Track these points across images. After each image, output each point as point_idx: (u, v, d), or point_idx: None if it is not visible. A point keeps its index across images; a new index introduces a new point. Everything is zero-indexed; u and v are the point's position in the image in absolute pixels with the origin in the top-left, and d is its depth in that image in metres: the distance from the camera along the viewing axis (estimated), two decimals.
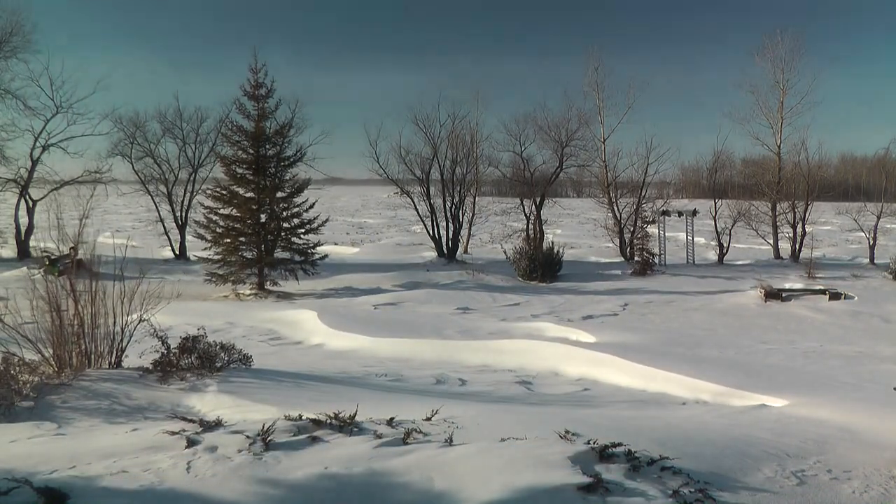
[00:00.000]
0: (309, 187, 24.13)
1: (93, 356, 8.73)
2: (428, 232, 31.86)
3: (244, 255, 22.22)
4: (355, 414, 5.83)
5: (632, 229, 31.36)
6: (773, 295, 21.70)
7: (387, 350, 13.39)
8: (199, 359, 8.51)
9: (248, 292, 21.85)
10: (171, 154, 31.32)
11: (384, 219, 60.83)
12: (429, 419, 6.02)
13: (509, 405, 8.91)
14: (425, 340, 13.99)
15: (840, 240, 43.33)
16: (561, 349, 12.43)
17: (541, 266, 25.42)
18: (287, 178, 23.58)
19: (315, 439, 5.27)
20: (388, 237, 43.67)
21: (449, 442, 5.18)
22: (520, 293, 22.50)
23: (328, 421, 5.65)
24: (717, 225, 31.48)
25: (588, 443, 5.05)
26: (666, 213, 32.09)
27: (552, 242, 27.43)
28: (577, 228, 49.88)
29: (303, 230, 23.23)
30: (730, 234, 31.48)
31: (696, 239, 33.23)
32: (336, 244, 35.88)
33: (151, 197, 31.35)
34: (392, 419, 5.88)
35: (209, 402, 7.34)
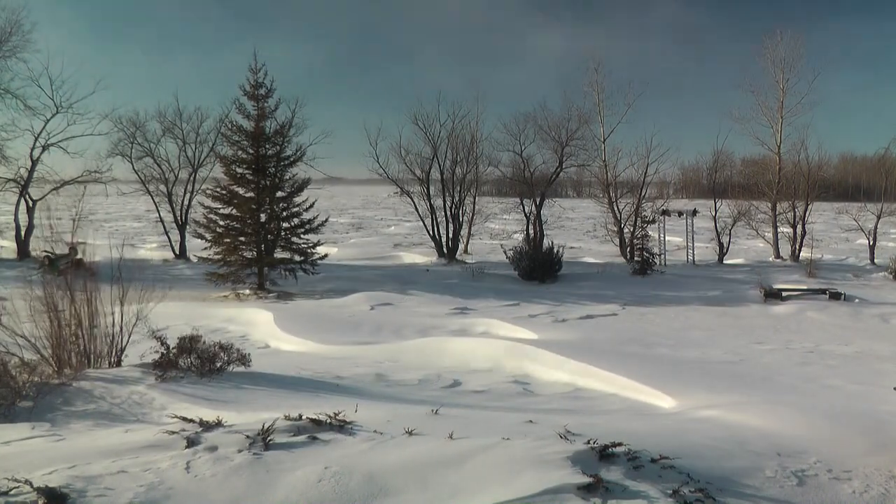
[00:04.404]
0: (309, 187, 24.09)
1: (92, 356, 8.74)
2: (428, 232, 31.85)
3: (244, 254, 22.20)
4: (355, 413, 5.84)
5: (632, 229, 31.34)
6: (772, 295, 21.69)
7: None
8: (198, 359, 8.51)
9: (247, 292, 21.83)
10: (171, 154, 31.31)
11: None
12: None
13: (507, 407, 8.92)
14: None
15: (840, 239, 43.35)
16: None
17: (540, 266, 25.39)
18: (287, 177, 23.56)
19: (315, 439, 5.27)
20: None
21: (448, 442, 5.18)
22: (519, 293, 22.47)
23: (328, 421, 5.65)
24: (717, 225, 31.47)
25: (588, 443, 5.05)
26: (666, 212, 32.07)
27: (552, 242, 27.40)
28: (577, 228, 49.88)
29: (302, 230, 23.21)
30: (730, 234, 31.48)
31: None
32: (335, 244, 35.83)
33: (151, 197, 31.32)
34: (390, 419, 5.88)
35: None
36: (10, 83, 28.10)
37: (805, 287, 23.41)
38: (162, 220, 30.86)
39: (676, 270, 28.32)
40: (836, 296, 21.67)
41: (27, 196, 28.27)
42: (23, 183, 28.08)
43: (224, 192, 22.79)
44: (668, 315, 19.12)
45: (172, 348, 8.46)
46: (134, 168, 31.00)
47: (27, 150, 28.61)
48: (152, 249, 32.50)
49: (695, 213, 31.45)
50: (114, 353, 8.93)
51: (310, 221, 23.29)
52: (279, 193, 23.14)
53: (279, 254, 22.79)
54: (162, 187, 30.87)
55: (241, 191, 22.72)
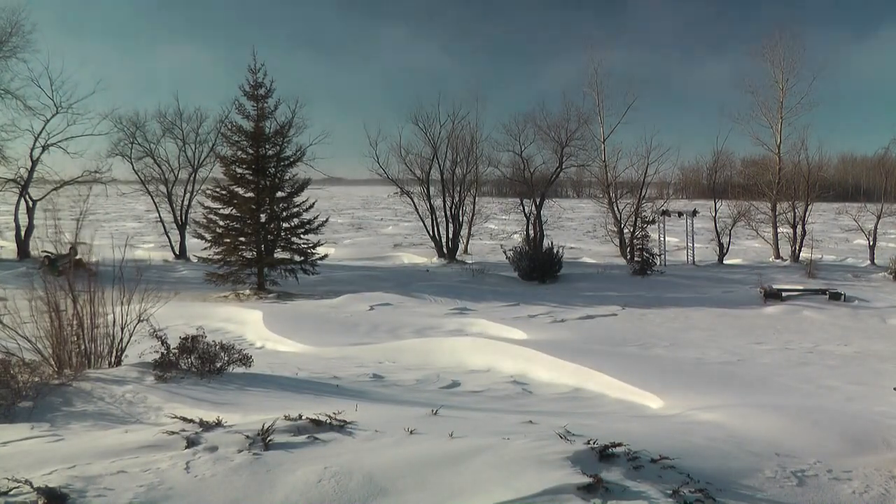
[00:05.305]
0: (309, 187, 24.12)
1: (92, 356, 8.72)
2: (428, 232, 31.87)
3: (244, 255, 22.20)
4: (355, 413, 5.84)
5: (632, 229, 31.36)
6: (772, 295, 21.70)
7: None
8: (198, 359, 8.50)
9: (247, 293, 21.84)
10: (170, 154, 31.37)
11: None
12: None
13: (505, 406, 8.91)
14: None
15: (839, 240, 43.38)
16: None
17: (540, 266, 25.40)
18: (287, 178, 23.58)
19: (314, 439, 5.27)
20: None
21: (448, 442, 5.18)
22: (519, 294, 22.48)
23: (327, 421, 5.65)
24: (717, 225, 31.48)
25: (588, 443, 5.05)
26: (666, 212, 32.10)
27: (552, 242, 27.42)
28: (577, 229, 49.88)
29: (302, 230, 23.22)
30: (730, 235, 31.49)
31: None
32: (335, 244, 35.82)
33: (151, 197, 31.35)
34: (390, 419, 5.88)
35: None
36: (10, 83, 28.16)
37: (805, 287, 23.42)
38: (162, 221, 30.88)
39: (676, 271, 28.33)
40: (835, 296, 21.68)
41: (27, 196, 28.27)
42: (23, 183, 28.08)
43: (224, 192, 22.80)
44: (668, 315, 19.12)
45: (173, 348, 8.45)
46: (134, 168, 31.08)
47: (27, 150, 28.68)
48: (150, 249, 32.50)
49: (695, 213, 31.47)
50: (114, 354, 8.92)
51: (310, 222, 23.31)
52: (279, 194, 23.16)
53: (279, 254, 22.80)
54: (162, 187, 30.90)
55: (241, 191, 22.73)
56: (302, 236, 23.23)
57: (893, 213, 31.79)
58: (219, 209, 22.80)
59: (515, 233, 41.60)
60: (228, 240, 22.22)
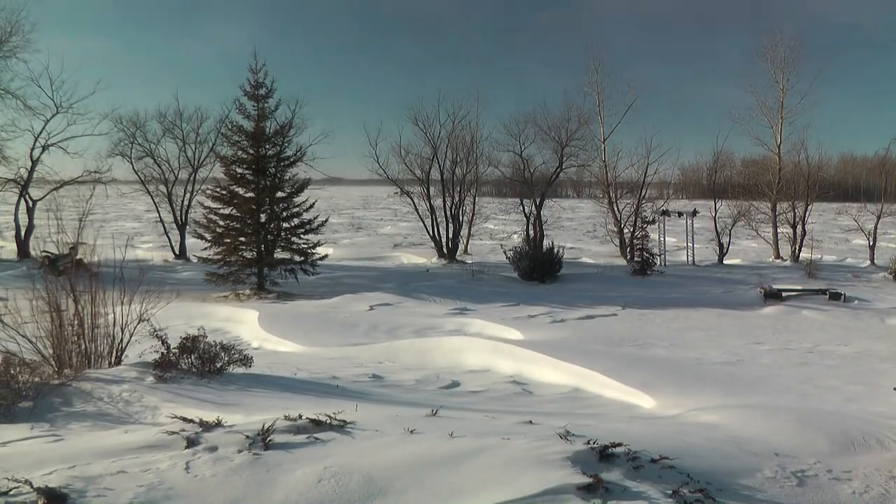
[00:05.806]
0: (309, 187, 24.13)
1: (92, 356, 8.73)
2: (428, 232, 31.87)
3: (244, 255, 22.20)
4: (355, 413, 5.84)
5: (632, 229, 31.37)
6: (772, 295, 21.70)
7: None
8: (199, 359, 8.50)
9: (248, 293, 21.83)
10: (171, 154, 31.38)
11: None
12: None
13: (506, 407, 8.92)
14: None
15: (839, 240, 43.38)
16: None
17: (540, 266, 25.39)
18: (287, 178, 23.59)
19: (314, 439, 5.27)
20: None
21: (448, 442, 5.18)
22: (519, 294, 22.47)
23: (327, 421, 5.66)
24: (717, 225, 31.48)
25: (588, 443, 5.06)
26: (666, 212, 32.11)
27: (552, 243, 27.42)
28: (577, 229, 49.89)
29: (303, 230, 23.23)
30: (729, 235, 31.49)
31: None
32: (335, 244, 35.83)
33: (151, 197, 31.35)
34: (389, 420, 5.88)
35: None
36: (10, 83, 28.14)
37: (805, 287, 23.41)
38: (162, 221, 30.89)
39: (676, 271, 28.32)
40: (835, 296, 21.68)
41: (27, 196, 28.27)
42: (23, 183, 28.08)
43: (224, 192, 22.80)
44: (668, 316, 19.11)
45: (173, 348, 8.45)
46: (134, 168, 31.07)
47: (27, 150, 28.67)
48: (150, 249, 32.51)
49: (695, 213, 31.47)
50: (114, 354, 8.92)
51: (310, 222, 23.30)
52: (279, 194, 23.16)
53: (279, 254, 22.79)
54: (162, 187, 30.90)
55: (241, 191, 22.73)
56: (302, 236, 23.23)
57: (893, 213, 31.79)
58: (219, 209, 22.80)
59: (515, 233, 41.59)
60: (228, 240, 22.22)
